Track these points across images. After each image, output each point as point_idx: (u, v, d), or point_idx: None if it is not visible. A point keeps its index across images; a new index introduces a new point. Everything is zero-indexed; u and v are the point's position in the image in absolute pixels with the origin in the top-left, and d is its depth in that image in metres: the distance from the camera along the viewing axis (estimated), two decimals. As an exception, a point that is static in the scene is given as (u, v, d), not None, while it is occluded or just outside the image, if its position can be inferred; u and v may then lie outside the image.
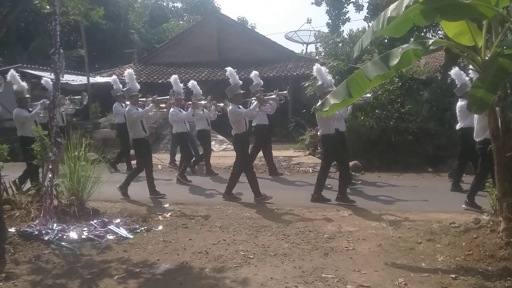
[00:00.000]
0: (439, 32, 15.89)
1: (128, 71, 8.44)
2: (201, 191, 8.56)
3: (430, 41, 4.84)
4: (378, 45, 17.24)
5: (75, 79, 18.61)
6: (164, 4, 43.95)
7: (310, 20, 36.70)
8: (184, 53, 22.14)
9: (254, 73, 10.73)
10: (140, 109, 7.88)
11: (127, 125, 8.03)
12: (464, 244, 4.93)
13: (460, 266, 4.38)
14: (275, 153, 11.88)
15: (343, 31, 28.74)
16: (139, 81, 18.29)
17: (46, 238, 5.26)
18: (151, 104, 7.92)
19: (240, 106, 7.84)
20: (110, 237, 5.48)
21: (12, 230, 5.45)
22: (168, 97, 9.02)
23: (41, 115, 8.07)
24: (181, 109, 9.67)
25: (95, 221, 5.90)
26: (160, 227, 5.96)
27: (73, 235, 5.45)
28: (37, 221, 5.64)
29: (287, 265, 4.48)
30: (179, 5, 46.13)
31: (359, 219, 6.28)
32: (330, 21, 28.80)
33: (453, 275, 4.11)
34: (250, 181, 7.54)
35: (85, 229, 5.64)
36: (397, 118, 11.14)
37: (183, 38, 23.06)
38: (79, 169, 6.34)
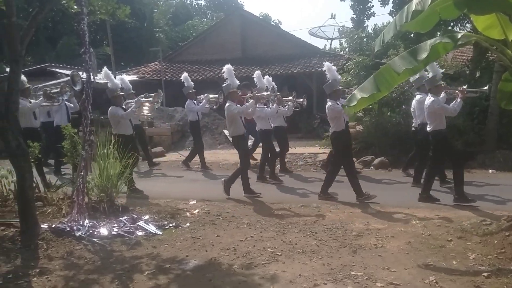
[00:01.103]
0: (467, 25, 15.59)
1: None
2: (233, 187, 8.52)
3: (459, 35, 4.74)
4: (403, 39, 17.02)
5: (102, 78, 18.88)
6: (188, 2, 44.26)
7: (334, 15, 36.62)
8: (208, 51, 22.24)
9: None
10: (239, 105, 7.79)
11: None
12: (496, 242, 4.84)
13: (492, 264, 4.30)
14: (300, 149, 11.88)
15: (367, 26, 28.56)
16: (164, 79, 18.62)
17: (77, 234, 5.37)
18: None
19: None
20: (140, 233, 5.56)
21: (45, 226, 5.57)
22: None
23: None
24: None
25: (124, 217, 5.99)
26: (188, 224, 6.02)
27: (104, 231, 5.54)
28: (68, 218, 5.77)
29: (315, 262, 4.48)
30: (202, 2, 46.40)
31: (387, 216, 6.22)
32: (354, 16, 28.58)
33: (485, 274, 4.04)
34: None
35: (115, 225, 5.73)
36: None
37: (207, 35, 23.15)
38: (108, 166, 6.44)
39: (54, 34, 26.40)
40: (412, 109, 8.56)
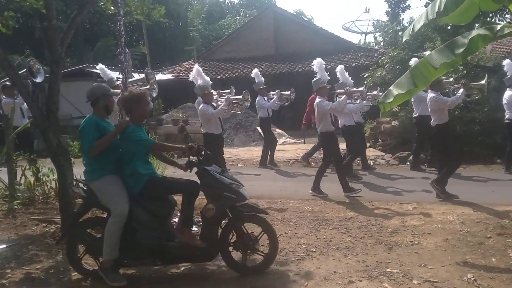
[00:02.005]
0: (507, 16, 15.11)
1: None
2: (266, 185, 8.60)
3: (498, 26, 4.61)
4: (440, 32, 16.64)
5: (138, 77, 19.25)
6: (221, 0, 44.49)
7: (369, 9, 36.07)
8: (241, 48, 22.36)
9: (255, 71, 10.90)
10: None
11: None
12: (538, 239, 4.70)
13: (534, 262, 4.18)
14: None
15: (403, 19, 28.05)
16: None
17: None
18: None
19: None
20: (176, 229, 5.64)
21: (85, 222, 5.75)
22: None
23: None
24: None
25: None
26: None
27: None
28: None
29: (350, 259, 4.46)
30: (235, 0, 46.55)
31: (424, 212, 6.11)
32: (389, 9, 28.17)
33: (526, 272, 3.94)
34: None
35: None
36: (462, 108, 10.68)
37: (240, 33, 23.27)
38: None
39: (92, 35, 27.05)
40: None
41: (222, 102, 8.25)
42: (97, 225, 4.49)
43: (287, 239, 5.19)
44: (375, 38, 25.89)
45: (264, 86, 10.74)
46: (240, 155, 12.24)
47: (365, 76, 13.25)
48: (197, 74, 8.28)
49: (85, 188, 4.31)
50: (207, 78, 8.24)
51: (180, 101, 17.82)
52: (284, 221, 5.95)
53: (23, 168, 7.26)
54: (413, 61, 8.16)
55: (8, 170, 6.99)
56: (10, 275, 4.29)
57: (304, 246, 4.89)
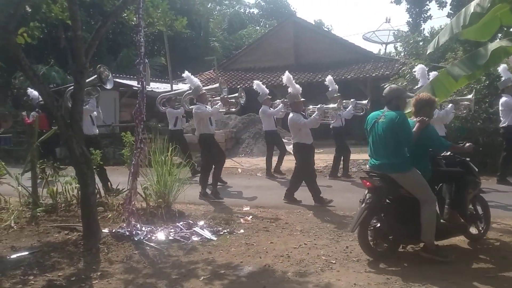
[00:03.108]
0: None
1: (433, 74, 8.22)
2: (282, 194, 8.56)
3: (522, 38, 4.56)
4: (462, 42, 16.46)
5: (159, 87, 19.48)
6: (241, 10, 44.83)
7: (389, 19, 35.97)
8: (261, 58, 22.45)
9: (329, 78, 10.52)
10: None
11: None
12: None
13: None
14: (354, 156, 11.73)
15: (424, 29, 27.82)
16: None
17: (136, 238, 5.55)
18: (315, 113, 7.80)
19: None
20: (195, 238, 5.67)
21: (106, 230, 5.81)
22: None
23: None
24: None
25: (181, 223, 6.14)
26: (242, 230, 6.07)
27: (161, 236, 5.71)
28: (126, 223, 5.98)
29: (370, 271, 4.41)
30: (255, 11, 46.86)
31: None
32: (410, 19, 28.00)
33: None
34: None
35: (172, 230, 5.89)
36: (484, 119, 10.54)
37: (260, 43, 23.38)
38: (165, 173, 6.64)
39: (114, 45, 27.46)
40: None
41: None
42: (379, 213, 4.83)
43: (306, 250, 5.16)
44: (396, 48, 25.74)
45: (338, 94, 10.26)
46: (260, 164, 12.21)
47: (385, 86, 13.17)
48: (288, 82, 8.19)
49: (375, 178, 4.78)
50: (298, 86, 8.11)
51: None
52: (303, 232, 5.92)
53: (46, 176, 7.38)
54: (433, 75, 8.08)
55: (31, 178, 7.12)
56: (32, 282, 4.35)
57: (324, 258, 4.85)
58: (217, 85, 8.95)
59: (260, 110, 10.76)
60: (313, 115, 7.84)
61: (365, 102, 10.80)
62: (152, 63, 25.39)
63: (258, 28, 40.12)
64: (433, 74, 8.93)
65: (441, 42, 4.97)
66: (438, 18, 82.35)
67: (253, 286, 4.18)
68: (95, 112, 8.70)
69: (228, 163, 12.30)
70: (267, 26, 38.07)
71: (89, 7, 24.82)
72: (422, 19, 27.94)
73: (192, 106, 9.06)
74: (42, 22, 6.57)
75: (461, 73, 4.42)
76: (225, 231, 6.01)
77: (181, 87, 21.23)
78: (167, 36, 17.74)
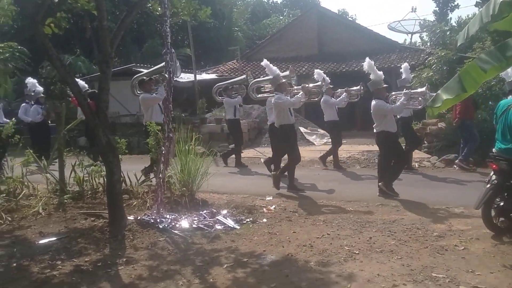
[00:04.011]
0: None
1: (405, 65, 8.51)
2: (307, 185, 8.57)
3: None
4: (490, 32, 16.06)
5: (183, 77, 19.57)
6: (265, 0, 44.60)
7: (415, 8, 35.17)
8: (284, 48, 22.35)
9: (404, 66, 10.10)
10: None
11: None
12: None
13: None
14: (363, 147, 11.71)
15: (451, 18, 27.29)
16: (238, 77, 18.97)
17: (160, 226, 5.63)
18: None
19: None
20: (219, 227, 5.72)
21: (131, 218, 5.91)
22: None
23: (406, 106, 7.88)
24: None
25: (204, 211, 6.20)
26: (264, 219, 6.10)
27: (185, 224, 5.77)
28: (151, 210, 6.07)
29: (394, 262, 4.38)
30: (279, 0, 46.57)
31: (472, 217, 5.93)
32: (437, 8, 27.48)
33: None
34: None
35: (196, 218, 5.94)
36: None
37: (284, 33, 23.26)
38: (189, 162, 6.69)
39: (139, 35, 27.69)
40: None
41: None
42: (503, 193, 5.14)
43: (329, 240, 5.16)
44: (422, 38, 25.30)
45: (331, 86, 10.42)
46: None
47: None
48: (369, 68, 7.85)
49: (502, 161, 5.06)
50: (380, 73, 7.82)
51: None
52: (326, 222, 5.91)
53: (72, 164, 7.53)
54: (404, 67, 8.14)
55: (59, 166, 7.27)
56: (60, 267, 4.46)
57: (347, 248, 4.84)
58: (287, 72, 8.84)
59: (322, 99, 10.26)
60: (400, 100, 7.67)
61: (357, 88, 10.54)
62: (176, 53, 25.52)
63: (281, 17, 39.90)
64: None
65: (471, 32, 4.84)
66: (466, 7, 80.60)
67: (275, 275, 4.20)
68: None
69: (251, 153, 12.36)
70: (290, 15, 37.82)
71: (114, -2, 25.07)
72: (449, 8, 27.39)
73: (263, 95, 9.20)
74: (68, 12, 6.64)
75: (490, 64, 4.30)
76: (248, 220, 6.04)
77: (204, 77, 21.35)
78: (191, 26, 17.79)
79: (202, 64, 28.83)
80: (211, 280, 4.09)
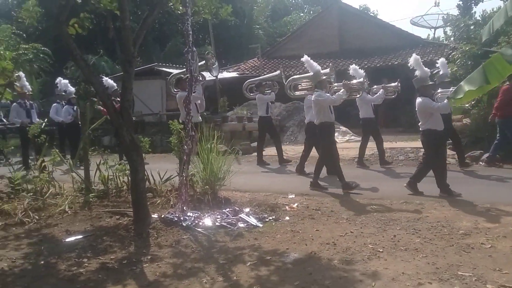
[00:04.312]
0: None
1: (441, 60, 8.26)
2: (331, 182, 8.52)
3: None
4: (516, 26, 15.73)
5: (204, 75, 19.67)
6: (285, -3, 44.43)
7: (438, 3, 34.79)
8: (305, 45, 22.24)
9: (441, 61, 9.74)
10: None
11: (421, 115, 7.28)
12: None
13: None
14: (402, 144, 11.49)
15: (475, 12, 26.76)
16: (263, 74, 18.97)
17: (184, 224, 5.67)
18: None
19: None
20: (241, 225, 5.73)
21: (155, 216, 5.97)
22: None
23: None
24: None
25: (227, 209, 6.22)
26: (287, 217, 6.09)
27: (208, 222, 5.81)
28: (175, 208, 6.12)
29: (419, 261, 4.32)
30: (299, -3, 46.35)
31: (498, 215, 5.82)
32: (460, 2, 26.96)
33: None
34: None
35: (218, 217, 5.97)
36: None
37: (304, 30, 23.18)
38: (212, 160, 6.73)
39: (161, 35, 27.94)
40: None
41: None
42: None
43: (352, 238, 5.12)
44: (445, 32, 24.91)
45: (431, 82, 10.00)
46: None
47: (434, 72, 12.77)
48: (415, 64, 7.60)
49: None
50: (427, 69, 7.58)
51: (244, 98, 17.99)
52: (349, 220, 5.87)
53: (97, 163, 7.64)
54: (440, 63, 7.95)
55: (84, 165, 7.39)
56: (86, 264, 4.53)
57: (371, 246, 4.80)
58: (327, 70, 8.79)
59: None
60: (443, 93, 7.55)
61: (395, 84, 10.24)
62: (198, 52, 25.67)
63: (302, 14, 39.73)
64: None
65: (495, 26, 4.76)
66: (491, 1, 78.86)
67: (299, 273, 4.19)
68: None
69: (273, 150, 12.34)
70: (311, 12, 37.67)
71: (136, -3, 25.33)
72: (473, 2, 26.82)
73: (301, 93, 9.09)
74: (91, 13, 6.73)
75: (516, 56, 4.22)
76: (271, 218, 6.04)
77: (225, 75, 21.41)
78: (212, 24, 17.86)
79: (223, 63, 28.90)
80: (235, 278, 4.10)
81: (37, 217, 6.26)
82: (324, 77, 8.02)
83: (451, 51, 16.14)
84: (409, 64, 7.70)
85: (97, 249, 4.99)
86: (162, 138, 14.44)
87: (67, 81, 12.64)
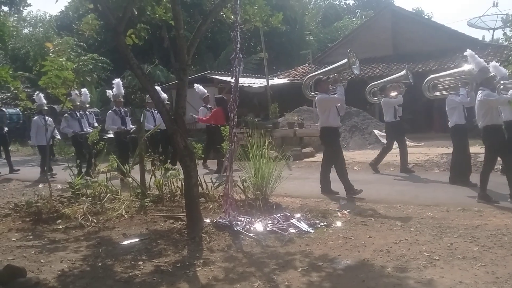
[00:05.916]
0: None
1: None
2: (383, 189, 8.36)
3: None
4: None
5: (255, 82, 19.85)
6: (337, 2, 44.18)
7: (497, 3, 33.27)
8: (357, 50, 21.62)
9: (493, 64, 9.22)
10: None
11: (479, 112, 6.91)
12: None
13: None
14: (442, 150, 11.14)
15: (537, 11, 25.46)
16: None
17: (236, 229, 5.73)
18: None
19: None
20: (292, 230, 5.72)
21: (207, 220, 6.07)
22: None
23: None
24: None
25: (278, 215, 6.23)
26: (339, 223, 6.03)
27: (259, 227, 5.84)
28: (226, 213, 6.19)
29: (477, 270, 4.16)
30: (351, 2, 46.02)
31: None
32: (522, 1, 25.73)
33: None
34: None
35: (269, 222, 5.99)
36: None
37: (357, 34, 22.92)
38: (262, 166, 6.77)
39: (213, 43, 28.44)
40: None
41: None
42: None
43: (407, 245, 5.00)
44: (505, 33, 23.83)
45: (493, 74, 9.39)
46: (356, 158, 12.02)
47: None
48: (472, 58, 7.41)
49: None
50: (482, 60, 7.34)
51: (295, 104, 18.01)
52: (403, 227, 5.74)
53: (152, 169, 7.87)
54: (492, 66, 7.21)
55: (140, 170, 7.62)
56: (142, 267, 4.66)
57: (426, 254, 4.67)
58: (404, 72, 8.64)
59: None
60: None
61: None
62: (250, 59, 25.95)
63: (354, 19, 39.30)
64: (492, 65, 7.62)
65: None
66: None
67: (351, 280, 4.13)
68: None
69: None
70: (363, 16, 37.15)
71: (189, 7, 25.94)
72: (535, 0, 25.60)
73: (441, 93, 8.63)
74: (147, 23, 6.97)
75: None
76: (322, 224, 5.99)
77: (276, 81, 21.49)
78: (263, 32, 18.00)
79: (274, 69, 29.06)
80: (286, 283, 4.10)
81: (95, 221, 6.50)
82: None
83: (511, 53, 15.45)
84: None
85: (152, 252, 5.13)
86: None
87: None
